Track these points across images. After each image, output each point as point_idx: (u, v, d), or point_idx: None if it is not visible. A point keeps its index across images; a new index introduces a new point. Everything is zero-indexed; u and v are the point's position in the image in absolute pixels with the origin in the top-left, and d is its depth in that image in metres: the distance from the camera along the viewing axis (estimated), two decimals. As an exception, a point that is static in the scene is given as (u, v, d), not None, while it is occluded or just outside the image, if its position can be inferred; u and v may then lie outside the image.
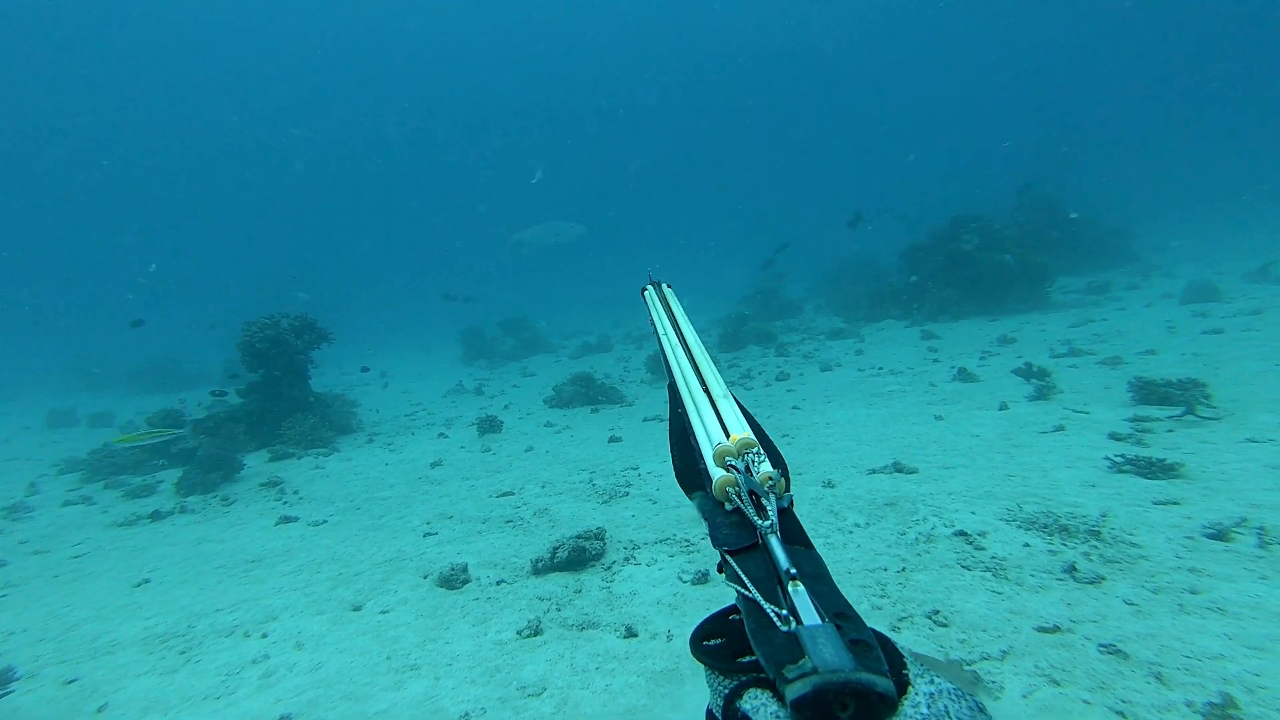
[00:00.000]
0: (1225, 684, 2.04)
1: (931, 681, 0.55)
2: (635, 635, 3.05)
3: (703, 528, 2.95)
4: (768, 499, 0.73)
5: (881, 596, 3.00)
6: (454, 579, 3.90)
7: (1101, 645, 2.32)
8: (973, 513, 3.74)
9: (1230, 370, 6.06)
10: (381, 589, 3.95)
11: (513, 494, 5.66)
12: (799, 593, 0.59)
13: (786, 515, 0.73)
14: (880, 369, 9.01)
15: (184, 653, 3.40)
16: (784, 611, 0.58)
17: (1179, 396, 5.05)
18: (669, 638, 2.99)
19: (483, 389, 12.84)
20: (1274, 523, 3.03)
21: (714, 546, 0.72)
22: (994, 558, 3.14)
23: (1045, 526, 3.33)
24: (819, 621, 0.56)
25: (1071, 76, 55.59)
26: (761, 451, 0.81)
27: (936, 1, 52.12)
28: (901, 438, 5.63)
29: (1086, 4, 48.80)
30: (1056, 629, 2.47)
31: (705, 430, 0.89)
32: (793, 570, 0.61)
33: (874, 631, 0.56)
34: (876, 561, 3.36)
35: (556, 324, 23.74)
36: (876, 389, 7.86)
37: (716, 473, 0.79)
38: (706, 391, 0.99)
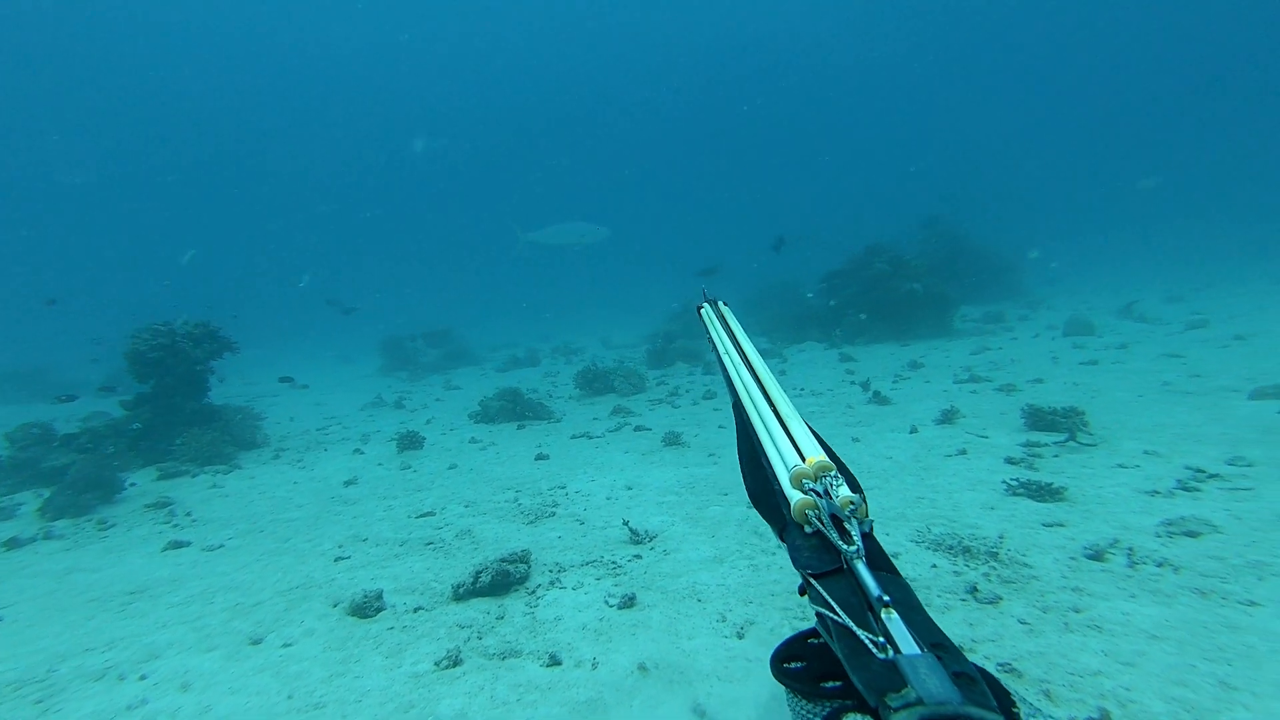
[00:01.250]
0: (1102, 699, 2.24)
1: None
2: (559, 664, 2.99)
3: (629, 550, 2.94)
4: (850, 523, 0.73)
5: (802, 620, 3.08)
6: (367, 607, 3.68)
7: (1000, 664, 2.49)
8: (887, 534, 3.93)
9: (1104, 399, 6.73)
10: (285, 619, 3.67)
11: (433, 514, 5.43)
12: (893, 620, 0.59)
13: (869, 540, 0.73)
14: (802, 390, 9.38)
15: (41, 702, 3.01)
16: (879, 639, 0.57)
17: (1063, 424, 5.56)
18: (594, 666, 2.95)
19: (403, 402, 12.31)
20: (1140, 543, 3.37)
21: (795, 568, 0.73)
22: (906, 579, 3.32)
23: (950, 548, 3.56)
24: (918, 651, 0.55)
25: (974, 122, 60.74)
26: (839, 475, 0.81)
27: (859, 44, 55.79)
28: (821, 459, 5.86)
29: (985, 56, 53.76)
30: (960, 648, 2.63)
31: (779, 452, 0.88)
32: (886, 598, 0.61)
33: (976, 666, 0.55)
34: (798, 584, 3.46)
35: (483, 336, 23.23)
36: (798, 410, 8.15)
37: (794, 495, 0.79)
38: (776, 412, 0.98)
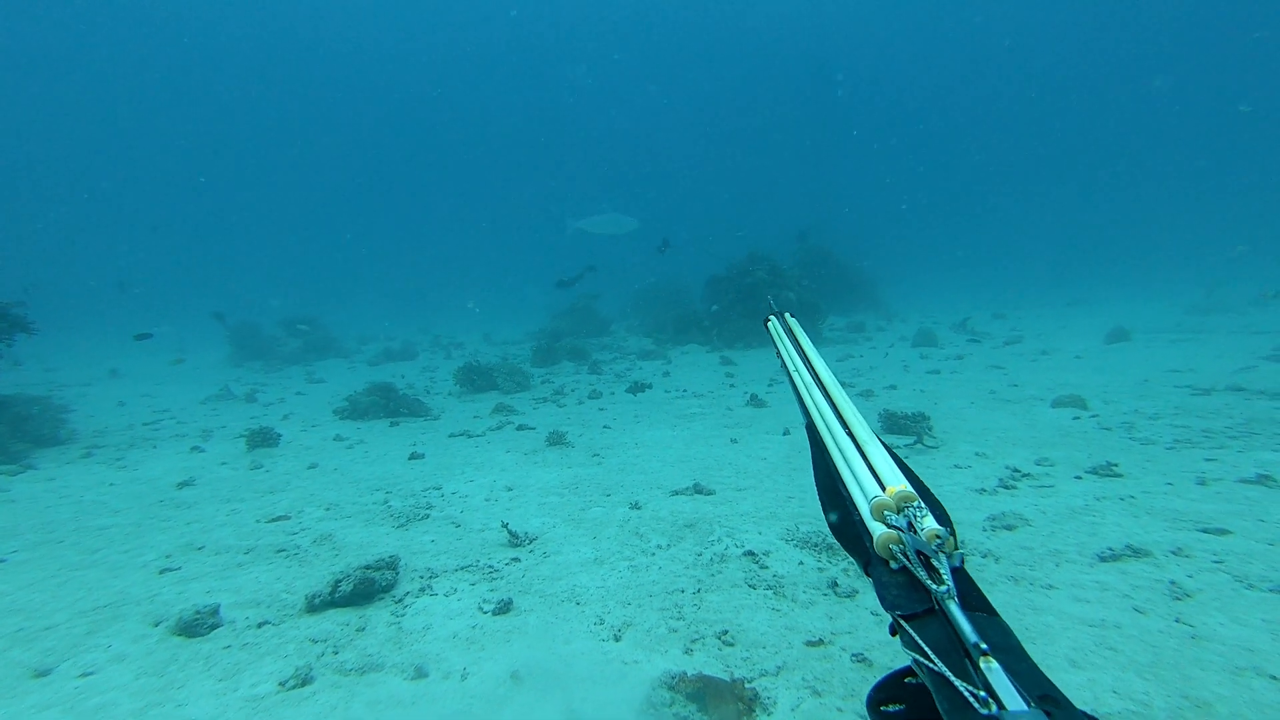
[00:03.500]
0: (940, 679, 2.48)
1: None
2: (425, 676, 2.80)
3: (507, 553, 2.81)
4: (938, 559, 0.68)
5: (678, 619, 3.13)
6: (198, 624, 3.23)
7: (853, 655, 2.67)
8: (760, 533, 4.12)
9: (944, 405, 7.57)
10: (86, 645, 3.13)
11: (288, 518, 4.92)
12: (993, 670, 0.54)
13: (960, 576, 0.68)
14: (685, 391, 9.64)
15: None
16: (981, 693, 0.52)
17: (912, 427, 6.16)
18: (463, 676, 2.80)
19: (256, 395, 11.10)
20: (971, 537, 3.80)
21: (884, 609, 0.67)
22: (775, 576, 3.48)
23: (815, 545, 3.79)
24: (1024, 707, 0.50)
25: (836, 156, 66.20)
26: (923, 505, 0.75)
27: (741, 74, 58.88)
28: (701, 459, 6.04)
29: (845, 96, 59.06)
30: (821, 642, 2.79)
31: (857, 480, 0.83)
32: (984, 646, 0.56)
33: (1086, 715, 0.51)
34: (675, 584, 3.52)
35: (354, 326, 21.61)
36: (681, 411, 8.38)
37: (876, 528, 0.73)
38: (851, 435, 0.92)
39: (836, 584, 3.28)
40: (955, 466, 5.25)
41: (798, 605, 3.15)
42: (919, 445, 5.85)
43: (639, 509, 4.76)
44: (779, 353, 1.27)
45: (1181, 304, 16.25)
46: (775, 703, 2.44)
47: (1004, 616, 2.29)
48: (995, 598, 3.06)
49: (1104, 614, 2.85)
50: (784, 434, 6.71)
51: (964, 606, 0.62)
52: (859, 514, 0.80)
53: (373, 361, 15.53)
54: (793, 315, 1.36)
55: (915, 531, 0.72)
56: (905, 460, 0.87)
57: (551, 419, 8.23)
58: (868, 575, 0.75)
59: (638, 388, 9.90)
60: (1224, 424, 5.86)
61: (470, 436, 7.49)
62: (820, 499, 0.93)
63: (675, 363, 12.63)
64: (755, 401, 8.29)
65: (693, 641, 2.92)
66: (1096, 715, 0.54)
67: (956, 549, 0.72)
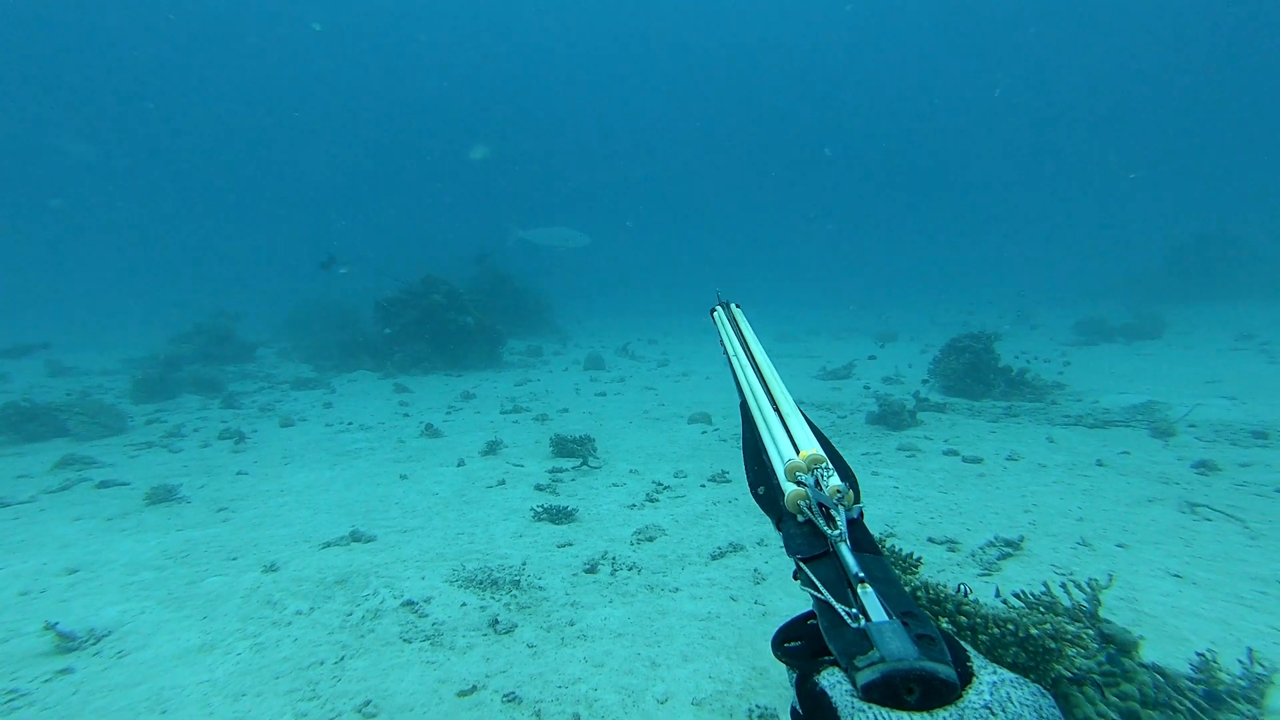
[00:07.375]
0: (576, 704, 2.61)
1: (995, 671, 0.61)
2: None
3: (46, 665, 2.07)
4: (836, 511, 0.79)
5: (311, 699, 2.68)
6: None
7: (504, 695, 2.65)
8: (422, 578, 3.85)
9: (608, 426, 8.37)
10: None
11: None
12: (868, 594, 0.65)
13: (856, 525, 0.79)
14: (350, 424, 8.63)
15: None
16: (854, 611, 0.64)
17: (578, 450, 6.63)
18: None
19: None
20: (620, 552, 4.21)
21: (789, 555, 0.78)
22: (434, 624, 3.28)
23: (480, 583, 3.71)
24: (886, 619, 0.62)
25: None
26: (830, 466, 0.87)
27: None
28: (364, 501, 5.43)
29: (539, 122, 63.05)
30: (473, 689, 2.70)
31: (776, 447, 0.95)
32: (861, 574, 0.68)
33: (938, 628, 0.63)
34: (314, 655, 3.02)
35: None
36: (344, 446, 7.45)
37: (789, 487, 0.85)
38: (776, 409, 1.05)
39: (497, 621, 3.25)
40: (613, 485, 5.81)
41: (455, 652, 3.01)
42: (584, 466, 6.33)
43: (275, 571, 4.01)
44: (721, 340, 1.42)
45: (773, 333, 21.43)
46: (419, 775, 2.26)
47: (639, 625, 2.55)
48: (633, 609, 3.42)
49: (710, 607, 3.42)
50: (459, 465, 6.51)
51: (855, 549, 0.74)
52: (776, 477, 0.91)
53: None
54: (738, 306, 1.52)
55: (820, 488, 0.84)
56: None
57: (158, 469, 6.43)
58: (779, 530, 0.87)
59: (288, 422, 8.47)
60: (792, 431, 7.84)
61: (4, 506, 5.31)
62: (745, 466, 1.07)
63: (340, 392, 11.25)
64: (431, 431, 7.89)
65: (327, 726, 2.53)
66: (947, 632, 0.66)
67: (856, 502, 0.84)
